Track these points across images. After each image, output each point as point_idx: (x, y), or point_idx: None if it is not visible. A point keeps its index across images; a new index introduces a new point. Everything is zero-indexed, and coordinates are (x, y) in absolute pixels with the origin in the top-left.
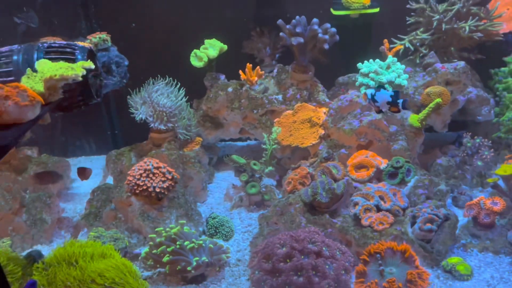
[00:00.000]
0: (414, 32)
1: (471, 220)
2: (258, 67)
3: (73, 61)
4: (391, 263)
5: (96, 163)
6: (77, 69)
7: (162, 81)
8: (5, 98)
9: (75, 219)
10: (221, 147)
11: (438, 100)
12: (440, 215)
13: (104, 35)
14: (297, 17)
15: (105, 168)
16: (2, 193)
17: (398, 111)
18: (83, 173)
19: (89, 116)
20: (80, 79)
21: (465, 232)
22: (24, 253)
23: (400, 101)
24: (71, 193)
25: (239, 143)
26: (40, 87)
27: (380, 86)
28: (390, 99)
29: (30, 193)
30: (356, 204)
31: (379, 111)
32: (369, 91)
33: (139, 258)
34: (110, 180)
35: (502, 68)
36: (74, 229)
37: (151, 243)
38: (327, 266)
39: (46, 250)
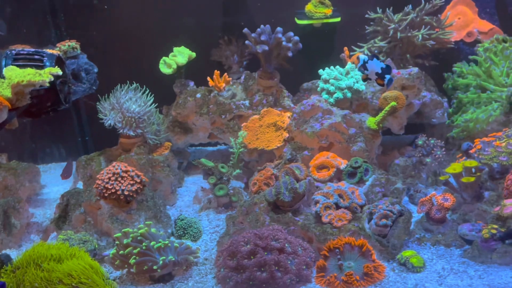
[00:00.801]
0: (372, 40)
1: (424, 215)
2: (225, 74)
3: (42, 68)
4: (350, 258)
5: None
6: (45, 75)
7: (130, 87)
8: None
9: (44, 224)
10: (192, 152)
11: (393, 103)
12: (394, 211)
13: (73, 43)
14: (262, 26)
15: (75, 174)
16: None
17: (382, 85)
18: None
19: (59, 123)
20: (48, 85)
21: (419, 227)
22: None
23: (387, 76)
24: (40, 199)
25: (210, 148)
26: (8, 93)
27: (374, 56)
28: (380, 71)
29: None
30: (317, 202)
31: (366, 79)
32: (363, 57)
33: (105, 259)
34: (80, 186)
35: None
36: (44, 233)
37: (117, 242)
38: (289, 262)
39: (15, 255)
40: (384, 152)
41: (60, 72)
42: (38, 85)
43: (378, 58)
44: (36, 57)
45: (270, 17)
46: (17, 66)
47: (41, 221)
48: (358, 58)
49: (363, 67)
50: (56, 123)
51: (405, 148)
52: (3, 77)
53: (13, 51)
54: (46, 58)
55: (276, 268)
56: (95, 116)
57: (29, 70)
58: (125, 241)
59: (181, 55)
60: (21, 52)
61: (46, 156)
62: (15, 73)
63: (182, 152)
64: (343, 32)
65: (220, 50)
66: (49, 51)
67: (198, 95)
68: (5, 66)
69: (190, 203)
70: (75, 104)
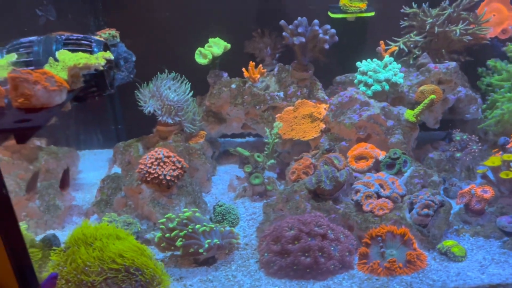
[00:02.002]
0: (407, 35)
1: (463, 207)
2: (260, 65)
3: (90, 53)
4: (391, 246)
5: (100, 156)
6: (100, 59)
7: (170, 76)
8: (34, 83)
9: (84, 207)
10: (222, 143)
11: (433, 96)
12: (436, 201)
13: (113, 32)
14: (299, 18)
15: (110, 160)
16: (16, 180)
17: None
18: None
19: (94, 110)
20: (102, 68)
21: (458, 218)
22: (38, 238)
23: None
24: (79, 184)
25: (239, 139)
26: (64, 75)
27: None
28: None
29: (41, 181)
30: (357, 191)
31: None
32: None
33: (151, 242)
34: (115, 171)
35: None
36: (85, 216)
37: (162, 226)
38: (332, 248)
39: (59, 235)
40: (417, 146)
41: (112, 57)
42: (94, 68)
43: None
44: (85, 42)
45: (302, 11)
46: (68, 50)
47: (81, 204)
48: None
49: None
50: (91, 110)
51: (438, 143)
52: (57, 60)
53: (63, 36)
54: (94, 44)
55: (320, 253)
56: (128, 105)
57: (81, 54)
58: (170, 224)
59: (216, 46)
60: (71, 37)
61: (81, 143)
62: (68, 57)
63: (214, 142)
64: (376, 26)
65: (253, 43)
66: (95, 37)
67: (233, 86)
68: (56, 50)
69: (224, 191)
70: (114, 92)
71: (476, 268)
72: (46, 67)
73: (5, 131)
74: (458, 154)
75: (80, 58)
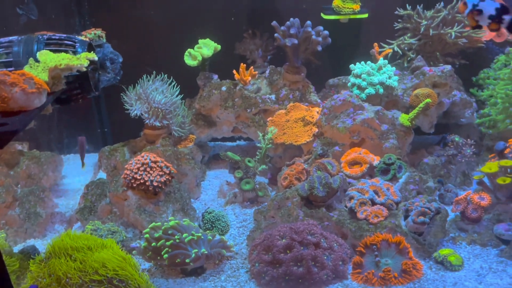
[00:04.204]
0: (402, 37)
1: (459, 215)
2: (251, 67)
3: (74, 53)
4: (387, 255)
5: (86, 160)
6: (82, 60)
7: (157, 78)
8: (11, 85)
9: (68, 214)
10: (212, 147)
11: (428, 100)
12: (432, 208)
13: (99, 32)
14: (291, 19)
15: (95, 165)
16: None
17: (498, 29)
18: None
19: (79, 113)
20: (85, 69)
21: (454, 226)
22: (16, 248)
23: (507, 17)
24: (62, 189)
25: (230, 143)
26: (45, 76)
27: None
28: (494, 13)
29: (22, 187)
30: (351, 198)
31: (476, 27)
32: (472, 0)
33: (133, 252)
34: (101, 176)
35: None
36: (68, 224)
37: (146, 235)
38: (325, 257)
39: (40, 244)
40: (411, 151)
41: (96, 58)
42: (76, 69)
43: None
44: (68, 42)
45: (295, 12)
46: (50, 50)
47: (64, 211)
48: (464, 3)
49: (474, 12)
50: (76, 114)
51: (433, 147)
52: (38, 61)
53: (45, 36)
54: (78, 44)
55: (313, 263)
56: (113, 107)
57: (63, 54)
58: (156, 234)
59: (206, 47)
60: (53, 37)
61: (65, 147)
62: (50, 57)
63: (204, 146)
64: (369, 29)
65: (244, 44)
66: (79, 37)
67: (224, 88)
68: (37, 50)
69: (214, 197)
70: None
71: (473, 278)
72: (26, 68)
73: None
74: (451, 151)
75: (62, 59)
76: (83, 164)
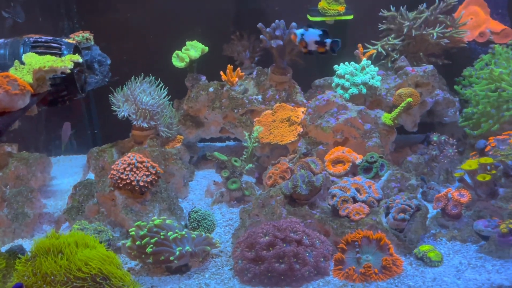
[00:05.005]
0: (386, 38)
1: (440, 211)
2: (238, 68)
3: (59, 56)
4: (368, 251)
5: (75, 162)
6: (67, 62)
7: (144, 79)
8: None
9: (56, 215)
10: (201, 147)
11: (409, 99)
12: (412, 205)
13: (87, 34)
14: (277, 20)
15: (85, 166)
16: None
17: (325, 52)
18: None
19: (69, 116)
20: (69, 71)
21: (435, 222)
22: (4, 248)
23: (328, 40)
24: (51, 190)
25: (219, 144)
26: (29, 78)
27: (309, 26)
28: (318, 39)
29: (11, 188)
30: (334, 196)
31: (308, 52)
32: (299, 32)
33: (121, 249)
34: (90, 177)
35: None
36: (56, 224)
37: (132, 233)
38: (307, 254)
39: (28, 244)
40: (395, 149)
41: (80, 60)
42: (60, 71)
43: (312, 28)
44: (54, 45)
45: (282, 14)
46: (36, 53)
47: (52, 211)
48: (295, 34)
49: (303, 41)
50: (65, 115)
51: (417, 146)
52: (23, 63)
53: (31, 39)
54: (64, 47)
55: (295, 260)
56: (103, 109)
57: (49, 57)
58: (141, 232)
59: (194, 49)
60: (39, 39)
61: (55, 149)
62: (35, 59)
63: (192, 146)
64: (355, 30)
65: (232, 46)
66: (66, 40)
67: (211, 89)
68: (24, 53)
69: (202, 197)
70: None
71: (452, 273)
72: (11, 71)
73: None
74: (434, 152)
75: (47, 61)
76: (62, 147)
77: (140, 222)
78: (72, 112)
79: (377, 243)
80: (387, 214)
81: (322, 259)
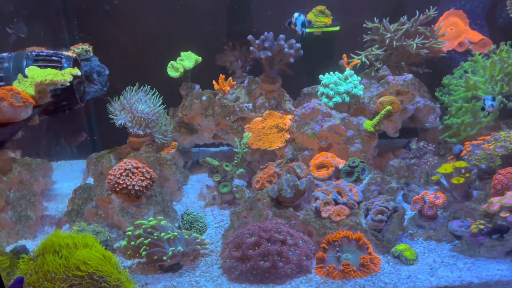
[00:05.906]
0: (369, 49)
1: (417, 213)
2: (230, 77)
3: (60, 68)
4: (347, 250)
5: (76, 167)
6: (66, 75)
7: (140, 89)
8: (0, 100)
9: (57, 217)
10: (196, 153)
11: (389, 107)
12: (389, 207)
13: (86, 46)
14: (266, 33)
15: (85, 171)
16: None
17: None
18: (76, 137)
19: (70, 122)
20: (68, 84)
21: (412, 223)
22: (8, 248)
23: (304, 30)
24: (52, 194)
25: (213, 149)
26: (31, 91)
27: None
28: (299, 23)
29: (14, 192)
30: (317, 198)
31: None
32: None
33: (117, 249)
34: (89, 182)
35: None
36: (57, 225)
37: (128, 233)
38: (290, 253)
39: (30, 245)
40: (379, 154)
41: (79, 73)
42: (60, 84)
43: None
44: (55, 58)
45: (273, 25)
46: (37, 66)
47: (53, 214)
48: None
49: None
50: (67, 122)
51: (399, 151)
52: (26, 76)
53: (33, 53)
54: (64, 60)
55: (279, 258)
56: (102, 116)
57: (49, 70)
58: (136, 232)
59: (188, 60)
60: (41, 53)
61: (57, 154)
62: (37, 73)
63: (187, 152)
64: (342, 40)
65: (224, 56)
66: (65, 53)
67: (204, 98)
68: (26, 66)
69: (195, 200)
70: (85, 104)
71: (426, 271)
72: (15, 83)
73: None
74: (413, 160)
75: (48, 75)
76: (61, 142)
77: (139, 221)
78: (72, 122)
79: (357, 242)
80: (366, 216)
81: (304, 258)
